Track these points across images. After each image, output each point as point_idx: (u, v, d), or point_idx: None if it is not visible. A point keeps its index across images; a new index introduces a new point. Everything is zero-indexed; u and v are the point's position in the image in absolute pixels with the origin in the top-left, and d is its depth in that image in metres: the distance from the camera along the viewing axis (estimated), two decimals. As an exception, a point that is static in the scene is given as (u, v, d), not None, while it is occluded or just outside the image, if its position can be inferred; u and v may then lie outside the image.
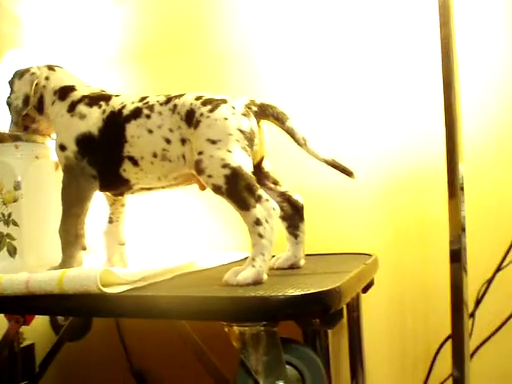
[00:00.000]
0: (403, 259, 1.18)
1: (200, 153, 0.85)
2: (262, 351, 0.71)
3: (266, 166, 0.94)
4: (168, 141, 0.90)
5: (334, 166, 0.86)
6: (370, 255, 1.06)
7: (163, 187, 0.97)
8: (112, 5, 1.48)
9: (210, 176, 0.84)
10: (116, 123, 0.94)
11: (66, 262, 0.94)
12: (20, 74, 1.01)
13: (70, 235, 0.94)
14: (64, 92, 1.00)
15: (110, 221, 1.04)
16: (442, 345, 1.09)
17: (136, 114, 0.92)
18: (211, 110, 0.87)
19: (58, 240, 0.95)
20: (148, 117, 0.91)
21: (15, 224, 0.99)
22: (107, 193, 1.00)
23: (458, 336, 0.95)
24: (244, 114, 0.87)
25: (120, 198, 1.02)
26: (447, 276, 0.96)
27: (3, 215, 1.00)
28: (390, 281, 1.18)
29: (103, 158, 0.95)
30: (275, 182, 0.94)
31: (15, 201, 1.00)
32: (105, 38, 1.48)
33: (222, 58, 1.36)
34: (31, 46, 1.47)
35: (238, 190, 0.82)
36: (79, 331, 1.29)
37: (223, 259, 1.10)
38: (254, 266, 0.79)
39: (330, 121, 1.26)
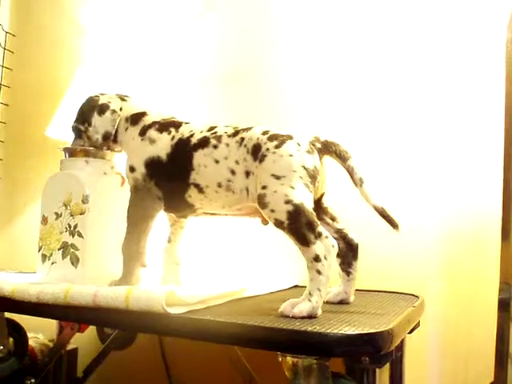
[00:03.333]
0: (450, 303, 1.19)
1: (264, 187, 0.89)
2: (312, 383, 0.74)
3: (326, 202, 0.97)
4: (233, 172, 0.94)
5: (382, 214, 0.88)
6: (417, 296, 1.08)
7: (227, 214, 1.01)
8: (187, 21, 1.53)
9: (272, 211, 0.87)
10: (184, 150, 0.98)
11: (127, 277, 0.98)
12: (100, 110, 1.07)
13: (133, 252, 0.99)
14: (136, 118, 1.05)
15: (169, 240, 1.08)
16: (482, 391, 1.09)
17: (204, 143, 0.97)
18: (277, 146, 0.90)
19: (119, 254, 1.00)
20: (215, 147, 0.96)
21: (80, 235, 1.04)
22: (171, 214, 1.04)
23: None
24: (308, 152, 0.90)
25: (182, 219, 1.06)
26: (492, 325, 0.97)
27: (69, 226, 1.06)
28: (435, 323, 1.19)
29: (170, 182, 0.99)
30: (333, 219, 0.97)
31: (82, 213, 1.05)
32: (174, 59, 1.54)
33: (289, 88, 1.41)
34: (97, 60, 1.53)
35: (299, 225, 0.85)
36: (125, 341, 1.34)
37: (271, 287, 1.12)
38: (310, 301, 0.82)
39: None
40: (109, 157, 1.11)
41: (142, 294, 0.80)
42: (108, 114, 1.06)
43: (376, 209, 0.88)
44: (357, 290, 1.00)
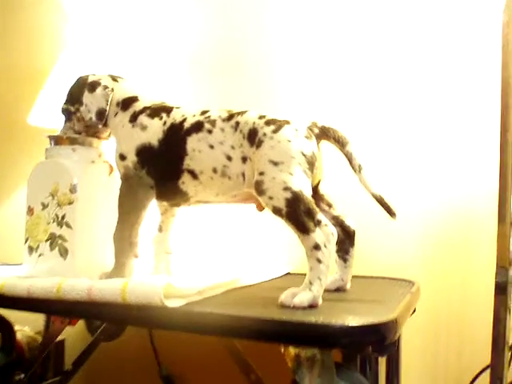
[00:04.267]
0: (443, 287, 1.19)
1: (261, 173, 0.87)
2: (316, 373, 0.73)
3: (322, 189, 0.95)
4: (229, 158, 0.91)
5: (381, 202, 0.87)
6: (412, 282, 1.07)
7: (220, 202, 0.98)
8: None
9: (270, 198, 0.85)
10: (177, 135, 0.95)
11: (119, 269, 0.95)
12: (91, 87, 1.03)
13: (124, 243, 0.96)
14: (127, 103, 1.02)
15: (160, 229, 1.06)
16: (477, 375, 1.10)
17: (197, 127, 0.94)
18: (275, 131, 0.88)
19: (109, 245, 0.97)
20: (210, 132, 0.93)
21: (68, 226, 1.01)
22: (163, 202, 1.01)
23: (497, 368, 0.96)
24: (306, 137, 0.88)
25: (174, 208, 1.04)
26: (486, 309, 0.97)
27: (57, 216, 1.02)
28: (428, 308, 1.19)
29: (162, 169, 0.96)
30: (329, 205, 0.96)
31: (70, 203, 1.01)
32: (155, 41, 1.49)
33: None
34: (81, 44, 1.49)
35: (298, 213, 0.83)
36: (114, 333, 1.31)
37: (264, 275, 1.11)
38: (310, 290, 0.81)
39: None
40: (96, 144, 1.08)
41: (139, 286, 0.78)
42: (99, 90, 1.02)
43: (374, 196, 0.87)
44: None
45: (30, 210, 1.05)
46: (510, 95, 0.92)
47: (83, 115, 1.03)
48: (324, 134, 0.90)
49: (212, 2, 1.45)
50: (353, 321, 0.71)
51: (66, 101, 1.06)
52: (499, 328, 0.96)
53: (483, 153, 1.19)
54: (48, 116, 1.35)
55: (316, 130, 0.90)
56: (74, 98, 1.04)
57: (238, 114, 0.93)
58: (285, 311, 0.77)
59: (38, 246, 1.04)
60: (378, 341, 0.71)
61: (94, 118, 1.01)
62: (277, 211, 0.85)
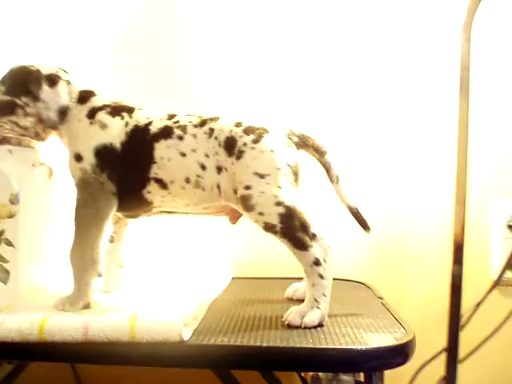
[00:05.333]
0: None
1: (247, 187, 0.82)
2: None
3: None
4: (203, 167, 0.84)
5: (356, 215, 0.86)
6: (363, 284, 1.11)
7: (188, 213, 0.90)
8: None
9: (261, 214, 0.81)
10: (142, 140, 0.86)
11: (82, 291, 0.83)
12: (50, 81, 0.88)
13: (86, 260, 0.84)
14: (83, 96, 0.89)
15: (111, 240, 0.95)
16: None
17: (166, 133, 0.85)
18: (255, 141, 0.83)
19: (59, 263, 0.85)
20: (180, 138, 0.85)
21: (9, 244, 0.85)
22: (118, 213, 0.90)
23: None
24: (288, 146, 0.85)
25: (129, 218, 0.94)
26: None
27: (-8, 232, 0.85)
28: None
29: (125, 176, 0.86)
30: None
31: (10, 216, 0.85)
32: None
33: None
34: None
35: (294, 229, 0.80)
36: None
37: (220, 284, 1.05)
38: (319, 308, 0.79)
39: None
40: (33, 144, 0.91)
41: (151, 321, 0.69)
42: (62, 85, 0.88)
43: (350, 209, 0.86)
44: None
45: (-50, 225, 0.86)
46: (466, 110, 0.98)
47: (40, 112, 0.87)
48: (303, 142, 0.87)
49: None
50: (381, 342, 0.70)
51: (8, 92, 0.88)
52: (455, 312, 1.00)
53: (436, 160, 1.24)
54: None
55: (294, 138, 0.86)
56: (20, 89, 0.88)
57: (211, 119, 0.87)
58: (304, 335, 0.74)
59: (-37, 268, 0.85)
60: (403, 361, 0.72)
61: (53, 117, 0.87)
62: (269, 228, 0.81)
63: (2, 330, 0.69)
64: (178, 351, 0.68)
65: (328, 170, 0.87)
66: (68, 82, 0.89)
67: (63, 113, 0.87)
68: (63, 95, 0.87)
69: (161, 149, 0.85)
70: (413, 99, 1.25)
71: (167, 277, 1.08)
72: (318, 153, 0.88)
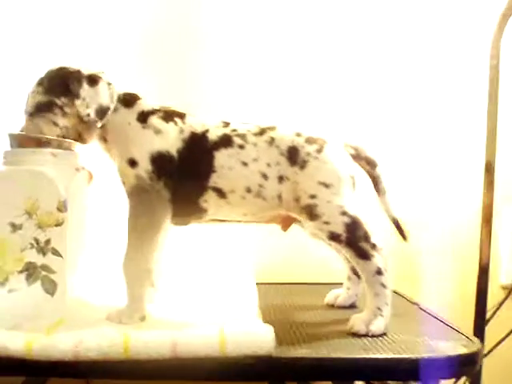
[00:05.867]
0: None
1: (313, 196, 0.82)
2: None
3: None
4: (265, 176, 0.83)
5: (397, 225, 0.88)
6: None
7: (241, 221, 0.89)
8: None
9: (326, 223, 0.81)
10: (201, 148, 0.84)
11: (138, 303, 0.80)
12: (91, 80, 0.83)
13: (141, 271, 0.81)
14: (130, 99, 0.85)
15: None
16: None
17: (226, 141, 0.84)
18: (319, 151, 0.84)
19: (104, 274, 0.81)
20: (241, 147, 0.84)
21: (56, 253, 0.80)
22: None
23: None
24: (348, 157, 0.87)
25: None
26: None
27: (37, 241, 0.80)
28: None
29: (181, 184, 0.83)
30: None
31: (58, 225, 0.80)
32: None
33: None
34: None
35: (358, 238, 0.81)
36: None
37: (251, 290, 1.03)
38: (382, 316, 0.80)
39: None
40: (73, 147, 0.86)
41: (241, 334, 0.67)
42: (103, 85, 0.83)
43: (393, 220, 0.88)
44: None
45: (-10, 233, 0.80)
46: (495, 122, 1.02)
47: (79, 110, 0.82)
48: (357, 154, 0.89)
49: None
50: (452, 350, 0.72)
51: (47, 92, 0.83)
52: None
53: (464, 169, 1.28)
54: None
55: (350, 150, 0.88)
56: (59, 89, 0.83)
57: (269, 128, 0.86)
58: (375, 345, 0.75)
59: (6, 279, 0.80)
60: (474, 369, 0.74)
61: (92, 115, 0.82)
62: (334, 237, 0.82)
63: (81, 350, 0.65)
64: (267, 364, 0.67)
65: (377, 182, 0.89)
66: (109, 84, 0.85)
67: (103, 112, 0.82)
68: (104, 95, 0.83)
69: (221, 157, 0.83)
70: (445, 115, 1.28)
71: (195, 283, 1.05)
72: (370, 165, 0.89)
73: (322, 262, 1.19)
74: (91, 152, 0.89)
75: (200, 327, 0.70)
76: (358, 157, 0.88)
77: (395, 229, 0.89)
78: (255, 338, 0.67)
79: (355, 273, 0.96)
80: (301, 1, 1.27)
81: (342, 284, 0.99)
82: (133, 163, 0.81)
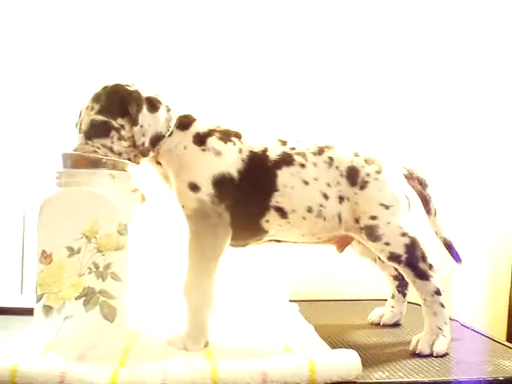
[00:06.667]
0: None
1: (373, 217, 0.82)
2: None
3: None
4: (325, 196, 0.83)
5: (450, 247, 0.89)
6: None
7: (297, 243, 0.88)
8: None
9: (387, 244, 0.82)
10: (262, 167, 0.82)
11: (202, 328, 0.78)
12: (152, 105, 0.80)
13: (204, 297, 0.79)
14: (185, 121, 0.83)
15: None
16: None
17: (288, 160, 0.83)
18: (378, 172, 0.84)
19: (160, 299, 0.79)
20: (302, 166, 0.83)
21: (115, 278, 0.77)
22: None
23: None
24: (404, 179, 0.88)
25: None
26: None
27: (96, 266, 0.77)
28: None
29: (241, 205, 0.81)
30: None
31: (118, 249, 0.77)
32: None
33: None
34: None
35: (417, 259, 0.82)
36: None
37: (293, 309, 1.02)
38: (444, 336, 0.81)
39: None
40: (127, 168, 0.84)
41: (330, 362, 0.66)
42: (162, 111, 0.80)
43: (445, 241, 0.89)
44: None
45: (46, 257, 0.77)
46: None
47: (135, 136, 0.79)
48: (410, 175, 0.90)
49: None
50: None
51: (103, 111, 0.80)
52: None
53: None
54: None
55: (404, 171, 0.89)
56: (117, 110, 0.80)
57: (327, 147, 0.86)
58: (444, 366, 0.75)
59: (62, 305, 0.77)
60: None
61: (146, 144, 0.79)
62: (394, 258, 0.82)
63: (169, 381, 0.63)
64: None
65: (427, 202, 0.90)
66: (168, 109, 0.82)
67: (158, 140, 0.80)
68: (161, 122, 0.80)
69: (284, 176, 0.82)
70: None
71: (236, 304, 1.03)
72: (422, 185, 0.90)
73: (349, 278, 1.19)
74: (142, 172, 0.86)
75: (288, 356, 0.69)
76: (410, 177, 0.89)
77: (447, 250, 0.89)
78: (343, 364, 0.66)
79: (400, 291, 0.97)
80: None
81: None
82: (194, 187, 0.79)
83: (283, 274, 1.20)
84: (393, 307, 0.98)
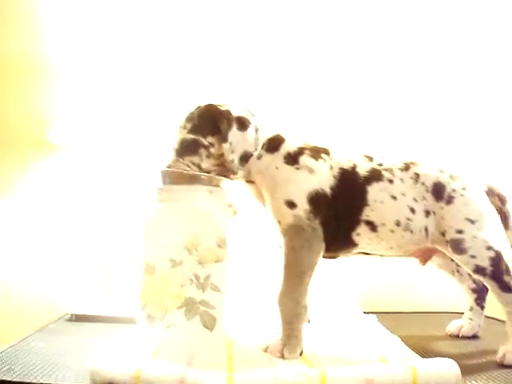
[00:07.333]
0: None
1: (459, 231, 0.85)
2: None
3: None
4: (412, 210, 0.87)
5: None
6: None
7: (384, 255, 0.91)
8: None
9: (473, 257, 0.85)
10: (353, 183, 0.87)
11: (298, 337, 0.82)
12: (241, 124, 0.85)
13: (300, 306, 0.82)
14: (274, 144, 0.87)
15: None
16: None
17: (377, 176, 0.87)
18: (464, 188, 0.87)
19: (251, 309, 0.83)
20: (391, 181, 0.87)
21: (215, 289, 0.81)
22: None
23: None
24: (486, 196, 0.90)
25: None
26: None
27: (197, 277, 0.81)
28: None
29: (333, 219, 0.85)
30: None
31: (218, 261, 0.82)
32: None
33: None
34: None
35: (502, 272, 0.85)
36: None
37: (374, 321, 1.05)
38: None
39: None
40: (221, 183, 0.88)
41: (431, 371, 0.69)
42: (251, 130, 0.85)
43: None
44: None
45: (149, 268, 0.82)
46: None
47: (225, 153, 0.84)
48: (491, 191, 0.92)
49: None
50: None
51: (194, 130, 0.85)
52: None
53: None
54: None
55: (485, 188, 0.92)
56: (208, 128, 0.85)
57: (412, 163, 0.89)
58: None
59: (164, 315, 0.81)
60: None
61: (235, 162, 0.84)
62: (479, 270, 0.85)
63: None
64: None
65: (507, 217, 0.93)
66: (256, 129, 0.86)
67: (246, 159, 0.85)
68: (250, 141, 0.85)
69: (373, 192, 0.86)
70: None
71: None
72: (502, 201, 0.93)
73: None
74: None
75: (389, 364, 0.72)
76: (491, 193, 0.92)
77: None
78: (443, 372, 0.69)
79: (478, 304, 0.99)
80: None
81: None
82: (291, 204, 0.83)
83: (354, 286, 1.23)
84: (471, 319, 1.00)
